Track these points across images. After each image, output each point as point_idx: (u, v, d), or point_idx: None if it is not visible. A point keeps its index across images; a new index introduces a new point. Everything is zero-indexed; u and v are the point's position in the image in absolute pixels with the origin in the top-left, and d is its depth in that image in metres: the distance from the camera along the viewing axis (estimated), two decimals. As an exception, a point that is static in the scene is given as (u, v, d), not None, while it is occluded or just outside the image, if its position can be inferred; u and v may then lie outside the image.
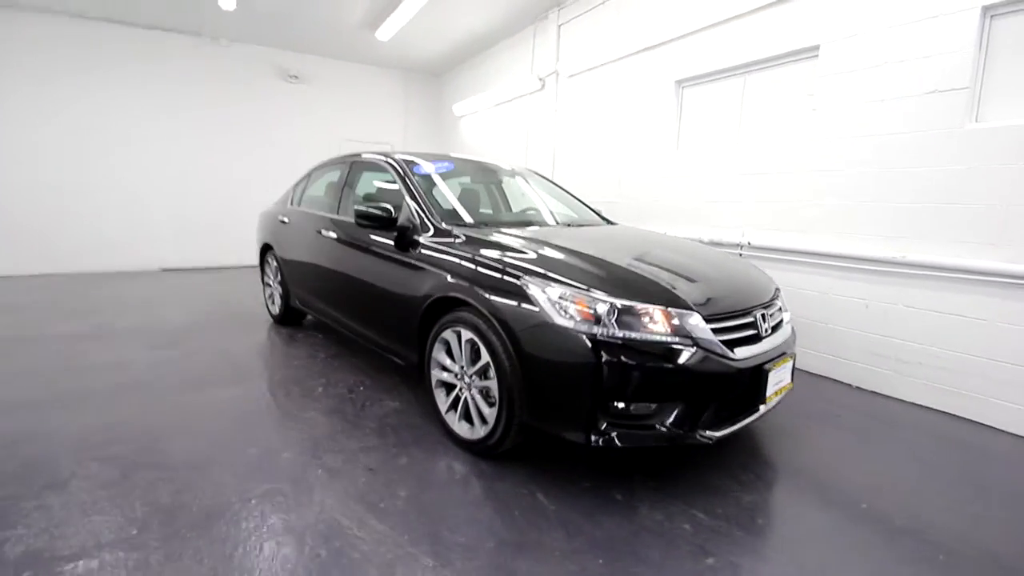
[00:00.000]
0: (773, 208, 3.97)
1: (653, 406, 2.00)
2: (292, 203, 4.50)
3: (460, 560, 1.71)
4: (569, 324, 1.99)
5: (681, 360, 1.97)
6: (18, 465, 2.20)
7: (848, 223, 3.50)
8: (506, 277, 2.22)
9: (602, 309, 1.99)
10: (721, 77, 4.41)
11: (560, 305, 2.03)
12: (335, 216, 3.64)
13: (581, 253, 2.38)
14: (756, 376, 2.12)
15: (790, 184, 3.85)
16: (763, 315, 2.31)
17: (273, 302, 4.69)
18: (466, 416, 2.43)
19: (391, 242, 2.90)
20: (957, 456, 2.61)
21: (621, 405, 1.97)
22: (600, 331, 1.96)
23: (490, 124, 8.02)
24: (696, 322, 2.05)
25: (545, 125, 6.58)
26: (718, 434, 2.05)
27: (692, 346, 2.00)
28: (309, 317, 4.68)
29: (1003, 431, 2.85)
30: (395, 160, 3.31)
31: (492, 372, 2.21)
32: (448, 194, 3.16)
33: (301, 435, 2.56)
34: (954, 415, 3.04)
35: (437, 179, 3.27)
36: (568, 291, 2.05)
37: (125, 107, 7.29)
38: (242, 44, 7.94)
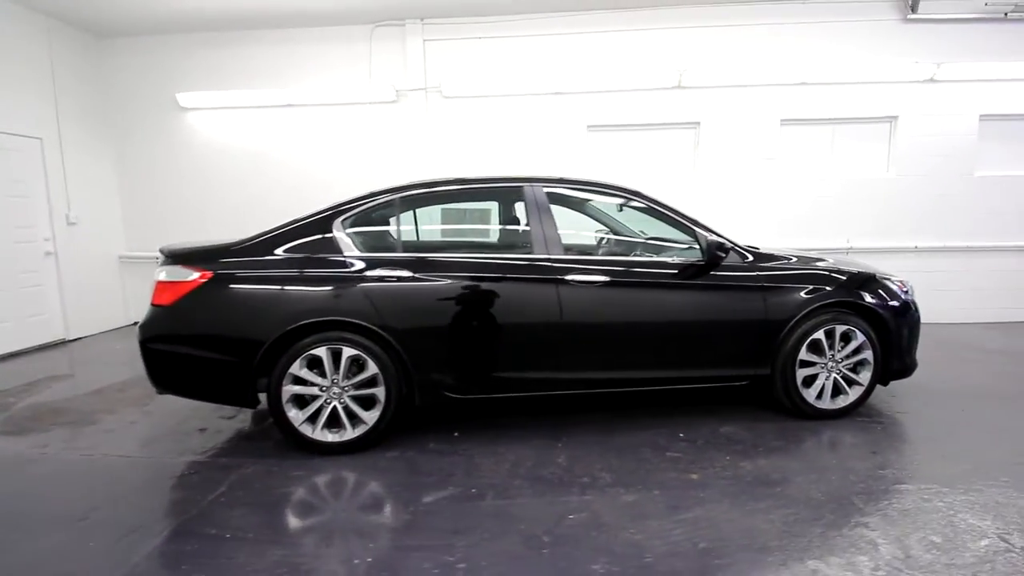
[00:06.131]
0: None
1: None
2: (376, 251, 3.07)
3: None
4: (908, 298, 3.26)
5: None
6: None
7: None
8: (869, 278, 3.20)
9: (908, 285, 3.36)
10: (626, 129, 5.89)
11: (900, 286, 3.25)
12: (573, 258, 3.06)
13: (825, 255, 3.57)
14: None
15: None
16: None
17: (331, 423, 2.78)
18: (831, 393, 3.17)
19: (679, 275, 3.15)
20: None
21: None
22: (913, 298, 3.34)
23: (273, 126, 6.13)
24: None
25: (408, 140, 6.00)
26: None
27: None
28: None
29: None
30: (639, 191, 3.36)
31: (865, 347, 3.12)
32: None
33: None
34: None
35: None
36: (899, 277, 3.30)
37: None
38: None
